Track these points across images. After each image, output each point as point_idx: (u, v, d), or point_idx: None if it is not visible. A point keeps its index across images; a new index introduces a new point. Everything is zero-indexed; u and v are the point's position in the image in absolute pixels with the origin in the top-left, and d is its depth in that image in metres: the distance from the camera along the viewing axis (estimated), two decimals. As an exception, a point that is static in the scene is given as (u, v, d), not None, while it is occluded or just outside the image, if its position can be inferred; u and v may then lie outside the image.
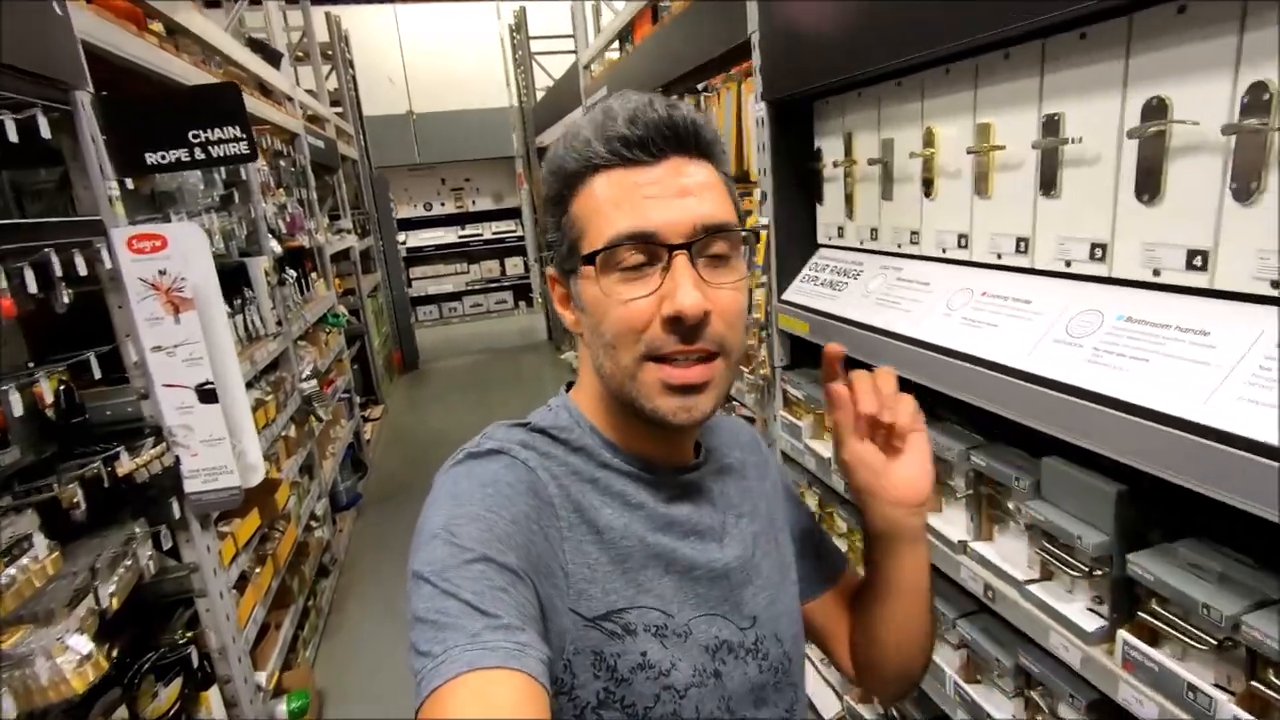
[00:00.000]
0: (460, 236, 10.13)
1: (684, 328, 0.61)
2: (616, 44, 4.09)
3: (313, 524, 3.02)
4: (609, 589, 0.65)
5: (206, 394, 1.72)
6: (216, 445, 1.74)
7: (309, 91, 5.31)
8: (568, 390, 0.77)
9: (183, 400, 1.72)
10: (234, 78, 3.06)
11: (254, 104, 3.09)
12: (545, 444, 0.70)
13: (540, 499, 0.64)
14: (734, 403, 2.56)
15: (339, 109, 6.60)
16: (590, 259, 0.63)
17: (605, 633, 0.63)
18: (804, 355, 2.16)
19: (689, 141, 0.64)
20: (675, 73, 2.78)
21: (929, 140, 1.38)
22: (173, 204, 2.43)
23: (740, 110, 2.36)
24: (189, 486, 1.75)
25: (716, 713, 0.66)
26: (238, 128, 1.70)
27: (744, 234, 0.66)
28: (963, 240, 1.34)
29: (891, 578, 0.78)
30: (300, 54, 5.66)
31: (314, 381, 3.10)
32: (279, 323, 2.90)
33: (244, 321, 2.58)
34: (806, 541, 0.87)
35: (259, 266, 2.79)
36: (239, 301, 2.54)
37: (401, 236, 9.66)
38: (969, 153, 1.24)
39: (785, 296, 2.05)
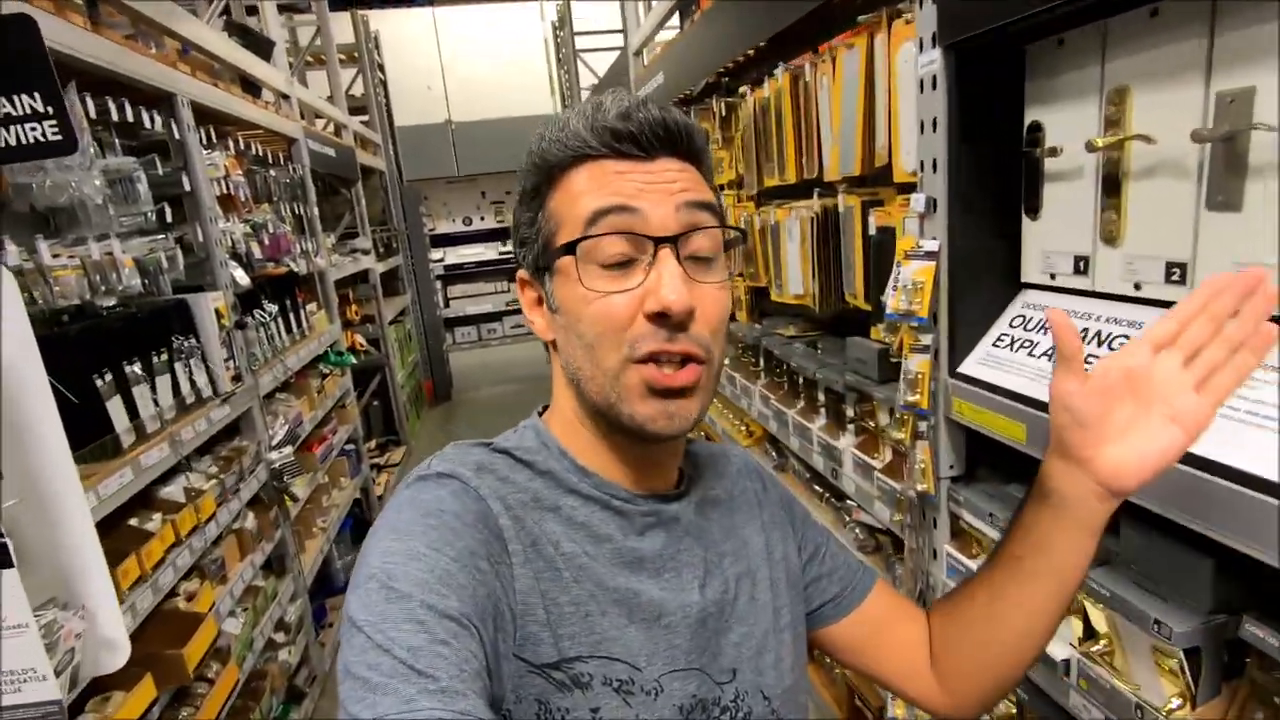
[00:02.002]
0: (501, 253, 9.53)
1: (669, 324, 0.59)
2: (675, 22, 3.35)
3: (277, 641, 2.31)
4: (561, 634, 0.59)
5: (-1, 550, 1.01)
6: (17, 635, 1.02)
7: (327, 99, 4.72)
8: (542, 413, 0.72)
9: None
10: (201, 69, 2.40)
11: (225, 100, 2.43)
12: (506, 467, 0.65)
13: (489, 530, 0.59)
14: (862, 527, 1.76)
15: (364, 117, 6.03)
16: (570, 248, 0.61)
17: (553, 683, 0.57)
18: (987, 458, 1.35)
19: (680, 144, 0.63)
20: (755, 39, 2.00)
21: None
22: (74, 224, 1.76)
23: (871, 75, 1.56)
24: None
25: None
26: (38, 96, 0.99)
27: (732, 232, 0.65)
28: None
29: (1038, 551, 0.66)
30: (310, 59, 5.09)
31: (288, 450, 2.40)
32: (237, 378, 2.21)
33: (172, 383, 1.89)
34: (826, 562, 0.80)
35: (207, 306, 2.10)
36: (162, 358, 1.85)
37: (439, 253, 9.13)
38: None
39: (965, 368, 1.24)
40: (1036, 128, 1.15)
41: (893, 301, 1.35)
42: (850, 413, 1.83)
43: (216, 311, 2.14)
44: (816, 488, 2.13)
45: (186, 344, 2.01)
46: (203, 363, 2.08)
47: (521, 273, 0.69)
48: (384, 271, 5.45)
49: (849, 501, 1.88)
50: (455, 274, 9.44)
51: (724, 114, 2.57)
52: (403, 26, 8.28)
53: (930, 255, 1.26)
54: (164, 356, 1.86)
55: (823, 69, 1.78)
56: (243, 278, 2.39)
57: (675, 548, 0.68)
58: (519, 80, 8.42)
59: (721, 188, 2.90)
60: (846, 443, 1.82)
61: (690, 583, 0.67)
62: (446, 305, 9.38)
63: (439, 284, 8.97)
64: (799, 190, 2.16)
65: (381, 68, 6.68)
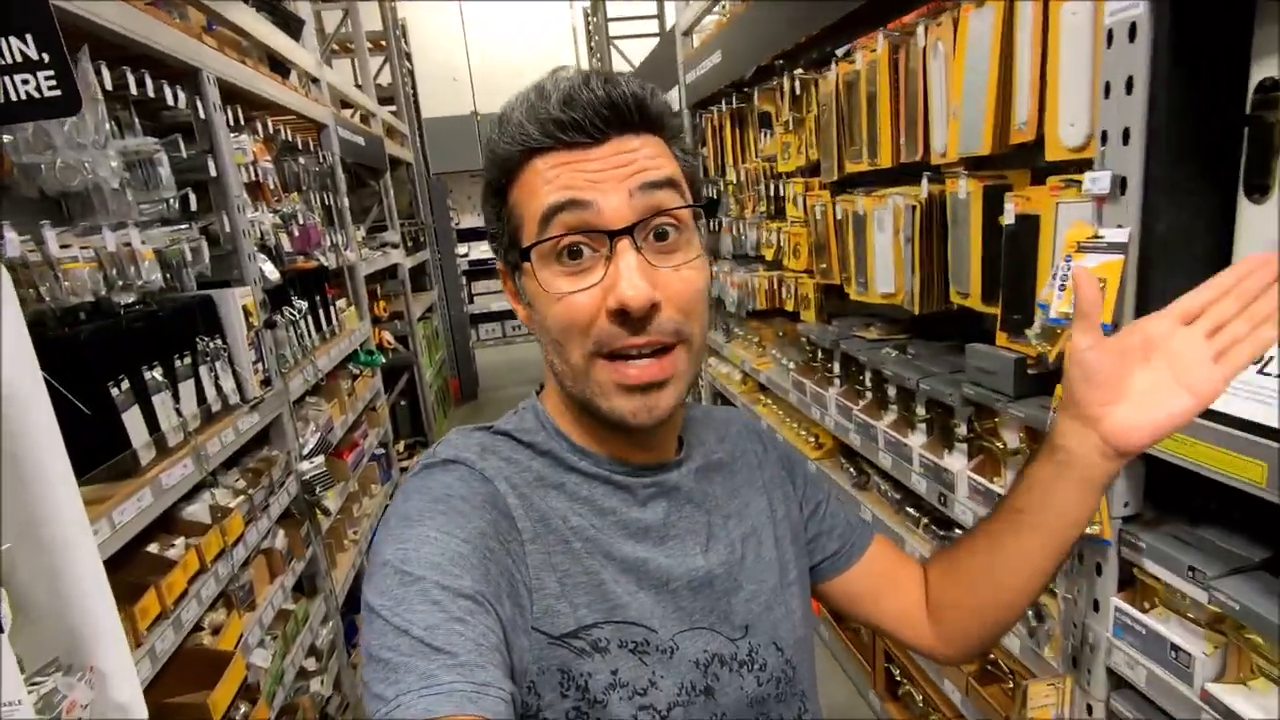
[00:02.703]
0: (526, 248, 9.35)
1: (631, 320, 0.57)
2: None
3: (309, 669, 2.12)
4: (578, 604, 0.61)
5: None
6: (8, 714, 0.82)
7: (356, 87, 4.53)
8: (539, 393, 0.72)
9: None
10: (227, 45, 2.21)
11: (252, 78, 2.24)
12: (508, 448, 0.66)
13: (498, 511, 0.60)
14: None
15: (393, 108, 5.85)
16: (526, 253, 0.60)
17: (573, 650, 0.59)
18: (1168, 493, 1.13)
19: (631, 119, 0.59)
20: (844, 6, 1.76)
21: None
22: (88, 212, 1.57)
23: (1009, 34, 1.33)
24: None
25: None
26: (30, 39, 0.77)
27: (694, 208, 0.62)
28: None
29: (1041, 505, 0.68)
30: (336, 46, 4.90)
31: (319, 459, 2.21)
32: (266, 381, 2.02)
33: (197, 390, 1.69)
34: (826, 519, 0.81)
35: (234, 303, 1.91)
36: (186, 362, 1.65)
37: (463, 248, 8.95)
38: None
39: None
40: (1271, 86, 0.91)
41: (1058, 303, 1.12)
42: (962, 430, 1.60)
43: (244, 309, 1.95)
44: (910, 510, 1.90)
45: (212, 345, 1.81)
46: (229, 366, 1.88)
47: (499, 264, 0.68)
48: (411, 267, 5.27)
49: (959, 532, 1.65)
50: (480, 269, 9.27)
51: (795, 93, 2.33)
52: (429, 16, 8.09)
53: (1115, 248, 1.03)
54: (187, 360, 1.67)
55: (937, 34, 1.54)
56: (272, 272, 2.19)
57: (677, 515, 0.68)
58: (547, 70, 8.20)
59: (786, 175, 2.66)
60: (958, 464, 1.59)
61: (693, 549, 0.68)
62: (471, 301, 9.21)
63: (464, 280, 8.81)
64: (889, 176, 1.93)
65: (409, 56, 6.49)
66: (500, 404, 6.44)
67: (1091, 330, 0.63)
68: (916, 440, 1.76)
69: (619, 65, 6.58)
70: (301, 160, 2.93)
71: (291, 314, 2.42)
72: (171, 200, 1.77)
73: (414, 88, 6.76)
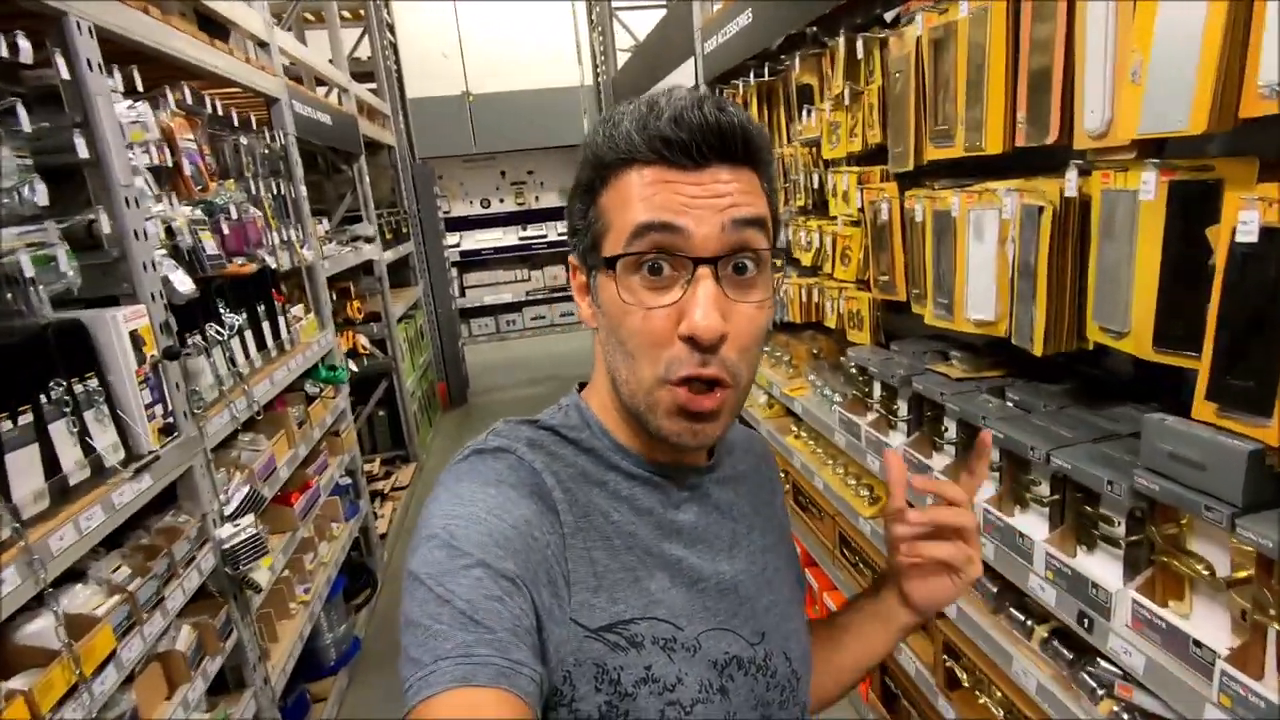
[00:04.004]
0: (521, 238, 8.80)
1: (699, 347, 0.59)
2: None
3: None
4: (616, 598, 0.62)
5: None
6: None
7: (329, 63, 4.02)
8: (580, 389, 0.74)
9: None
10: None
11: (156, 31, 1.74)
12: (554, 443, 0.68)
13: (544, 503, 0.63)
14: None
15: (373, 85, 5.32)
16: (613, 261, 0.60)
17: (608, 644, 0.60)
18: None
19: (735, 149, 0.60)
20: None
21: None
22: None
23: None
24: None
25: None
26: None
27: (774, 252, 0.63)
28: None
29: (856, 628, 0.82)
30: (311, 16, 4.38)
31: (246, 520, 1.74)
32: (167, 430, 1.54)
33: (45, 456, 1.22)
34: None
35: (117, 328, 1.43)
36: (25, 420, 1.17)
37: (454, 238, 8.45)
38: None
39: None
40: None
41: None
42: (1117, 529, 1.13)
43: (133, 336, 1.47)
44: (1015, 613, 1.43)
45: (80, 389, 1.33)
46: (109, 413, 1.41)
47: (572, 257, 0.68)
48: (393, 261, 4.77)
49: (1109, 667, 1.18)
50: (472, 261, 8.74)
51: (854, 57, 1.84)
52: (416, -12, 7.53)
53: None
54: (27, 418, 1.19)
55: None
56: (184, 282, 1.71)
57: (706, 520, 0.70)
58: (544, 48, 7.64)
59: (830, 164, 2.18)
60: (1112, 577, 1.12)
61: (719, 554, 0.70)
62: (462, 294, 8.69)
63: (454, 272, 8.30)
64: (983, 166, 1.45)
65: (391, 28, 5.96)
66: (494, 410, 5.95)
67: (901, 522, 0.72)
68: (1036, 529, 1.29)
69: (622, 39, 6.06)
70: (244, 140, 2.43)
71: (217, 334, 1.94)
72: (18, 191, 1.29)
73: (397, 63, 6.22)
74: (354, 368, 3.78)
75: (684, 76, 3.23)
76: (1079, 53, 1.14)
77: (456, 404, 6.14)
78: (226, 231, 2.04)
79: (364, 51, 5.47)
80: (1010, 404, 1.48)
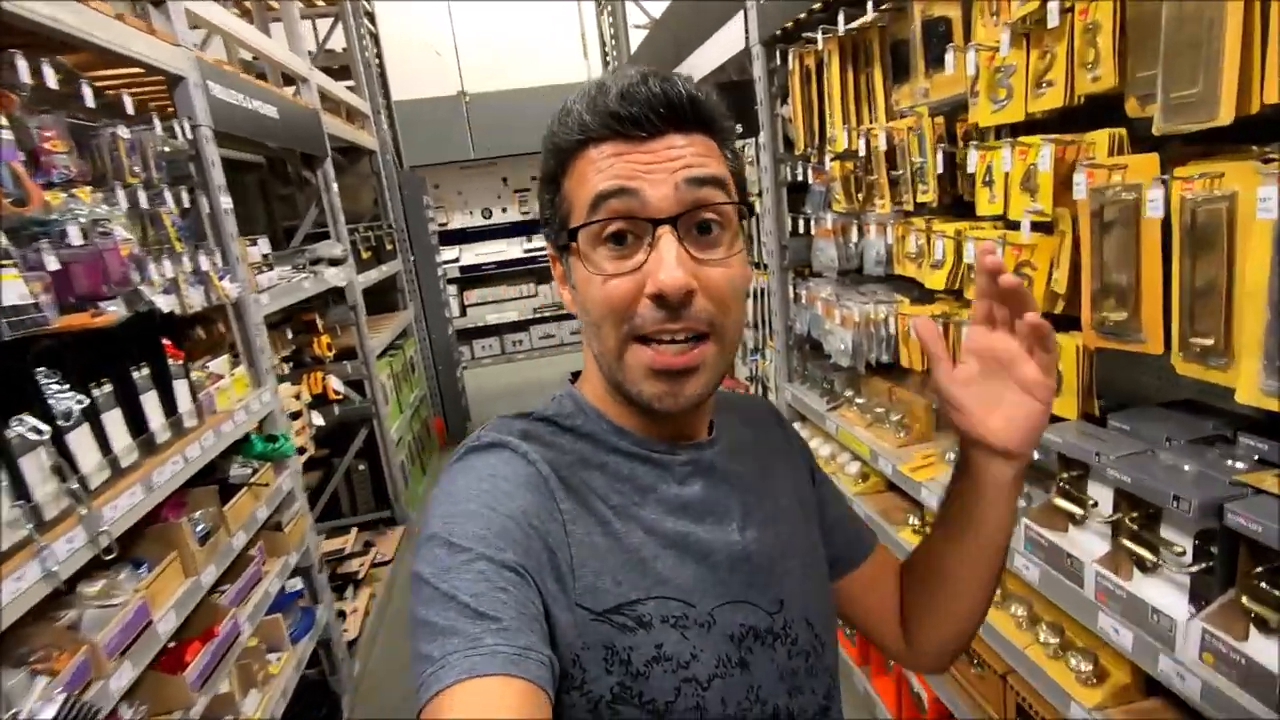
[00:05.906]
0: (527, 250, 8.06)
1: (668, 305, 0.59)
2: None
3: None
4: (621, 579, 0.62)
5: None
6: None
7: (315, 54, 3.32)
8: (573, 381, 0.74)
9: None
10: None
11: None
12: (549, 433, 0.68)
13: (540, 492, 0.62)
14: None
15: (350, 83, 4.63)
16: (574, 234, 0.61)
17: (616, 626, 0.60)
18: None
19: (685, 116, 0.60)
20: None
21: None
22: None
23: None
24: None
25: (745, 703, 0.63)
26: None
27: (737, 205, 0.62)
28: None
29: (963, 513, 0.72)
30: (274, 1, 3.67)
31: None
32: None
33: None
34: (836, 521, 0.83)
35: None
36: None
37: (453, 252, 7.76)
38: None
39: None
40: None
41: None
42: None
43: None
44: None
45: None
46: None
47: (550, 250, 0.69)
48: (375, 283, 4.06)
49: None
50: (473, 276, 8.02)
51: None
52: (404, -21, 6.85)
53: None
54: None
55: None
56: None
57: (713, 493, 0.69)
58: (544, 40, 6.94)
59: (979, 134, 1.44)
60: None
61: (730, 526, 0.68)
62: (463, 313, 7.98)
63: (453, 289, 7.59)
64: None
65: (371, 17, 5.27)
66: (496, 445, 5.23)
67: (944, 372, 0.67)
68: None
69: (635, 18, 5.33)
70: (124, 132, 1.72)
71: (34, 432, 1.21)
72: None
73: (379, 58, 5.54)
74: (319, 421, 3.07)
75: (727, 41, 2.49)
76: None
77: (455, 440, 5.41)
78: (56, 266, 1.32)
79: (339, 43, 4.77)
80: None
